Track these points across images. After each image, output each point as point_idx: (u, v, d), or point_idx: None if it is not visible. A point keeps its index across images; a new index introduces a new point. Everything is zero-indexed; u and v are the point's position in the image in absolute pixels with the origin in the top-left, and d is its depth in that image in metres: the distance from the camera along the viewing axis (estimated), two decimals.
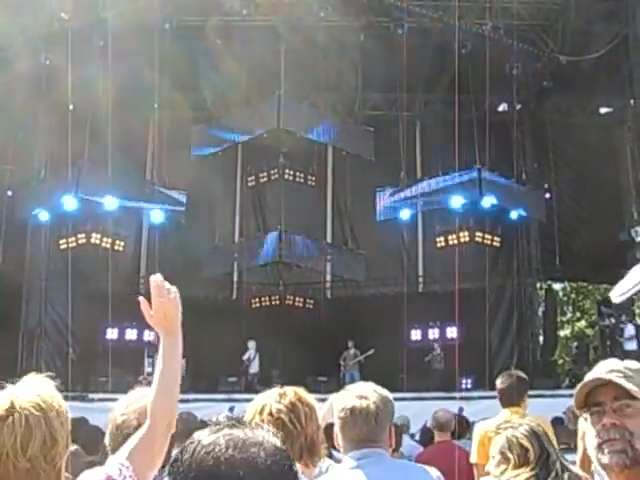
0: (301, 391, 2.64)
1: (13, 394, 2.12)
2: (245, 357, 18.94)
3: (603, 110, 21.90)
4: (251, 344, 19.08)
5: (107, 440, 2.86)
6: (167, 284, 2.36)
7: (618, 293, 1.90)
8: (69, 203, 18.77)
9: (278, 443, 1.42)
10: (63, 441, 2.14)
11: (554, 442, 3.50)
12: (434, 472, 2.97)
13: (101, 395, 14.68)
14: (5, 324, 19.07)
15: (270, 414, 2.56)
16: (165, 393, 2.35)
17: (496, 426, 3.56)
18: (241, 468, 1.34)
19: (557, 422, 7.17)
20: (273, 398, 2.58)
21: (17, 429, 2.05)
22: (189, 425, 4.63)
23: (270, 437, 1.42)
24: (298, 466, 2.43)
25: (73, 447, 4.67)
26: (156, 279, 2.35)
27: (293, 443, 2.48)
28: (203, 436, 1.41)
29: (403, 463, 3.43)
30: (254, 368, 18.93)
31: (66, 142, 17.83)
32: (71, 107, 19.74)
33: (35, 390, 2.16)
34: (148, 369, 18.50)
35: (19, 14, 16.96)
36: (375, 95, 21.88)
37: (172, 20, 17.90)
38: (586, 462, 5.13)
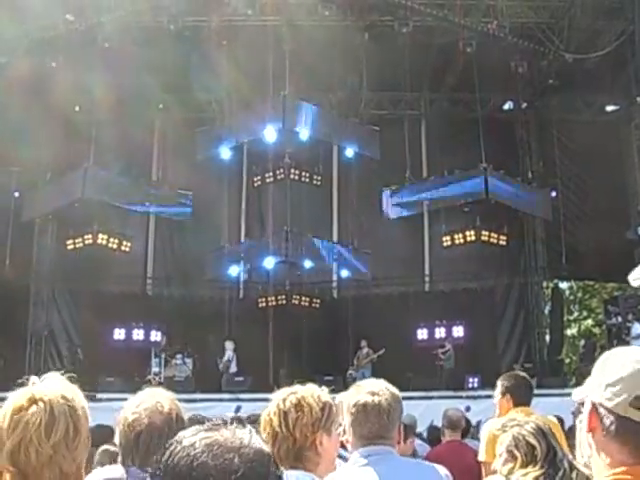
0: (310, 392, 2.62)
1: (36, 387, 2.15)
2: (225, 359, 18.90)
3: (609, 108, 21.87)
4: (229, 344, 19.09)
5: (117, 438, 2.89)
6: None
7: (637, 276, 1.91)
8: (76, 204, 18.82)
9: (261, 446, 1.41)
10: (85, 433, 2.16)
11: (562, 440, 3.50)
12: (442, 470, 2.97)
13: (109, 395, 14.67)
14: (13, 325, 19.15)
15: (268, 414, 2.59)
16: None
17: (502, 424, 3.55)
18: (213, 474, 1.34)
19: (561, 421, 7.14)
20: (279, 398, 2.60)
21: (42, 415, 2.06)
22: None
23: (252, 440, 1.40)
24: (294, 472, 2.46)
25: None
26: None
27: (280, 446, 2.50)
28: (184, 438, 1.41)
29: (412, 461, 3.43)
30: (233, 368, 18.93)
31: (72, 144, 17.94)
32: (77, 109, 19.85)
33: (58, 384, 2.20)
34: (155, 369, 18.55)
35: (24, 17, 17.01)
36: (380, 94, 21.88)
37: (176, 21, 17.90)
38: None
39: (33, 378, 2.19)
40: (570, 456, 3.15)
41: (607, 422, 1.70)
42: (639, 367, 1.72)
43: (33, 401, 2.09)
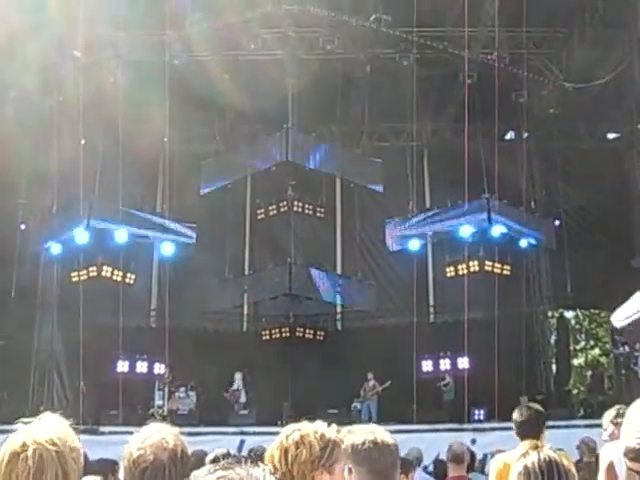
0: (314, 429, 2.61)
1: (29, 431, 2.20)
2: (233, 388, 18.91)
3: (611, 136, 21.97)
4: (238, 375, 19.12)
5: (122, 475, 2.89)
6: None
7: (620, 317, 1.93)
8: (81, 236, 18.86)
9: None
10: (74, 476, 2.20)
11: (574, 477, 3.47)
12: None
13: (112, 428, 14.64)
14: (17, 357, 19.13)
15: (271, 449, 2.60)
16: None
17: (516, 458, 3.55)
18: None
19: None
20: (284, 434, 2.61)
21: (30, 463, 2.12)
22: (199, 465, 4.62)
23: (265, 478, 1.42)
24: None
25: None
26: None
27: None
28: (199, 477, 1.41)
29: None
30: (242, 398, 18.93)
31: (78, 176, 18.03)
32: (83, 142, 19.98)
33: (50, 427, 2.24)
34: (158, 402, 18.49)
35: (33, 54, 17.21)
36: (382, 126, 22.02)
37: (181, 56, 18.10)
38: None
39: (25, 423, 2.24)
40: None
41: None
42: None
43: (25, 447, 2.15)
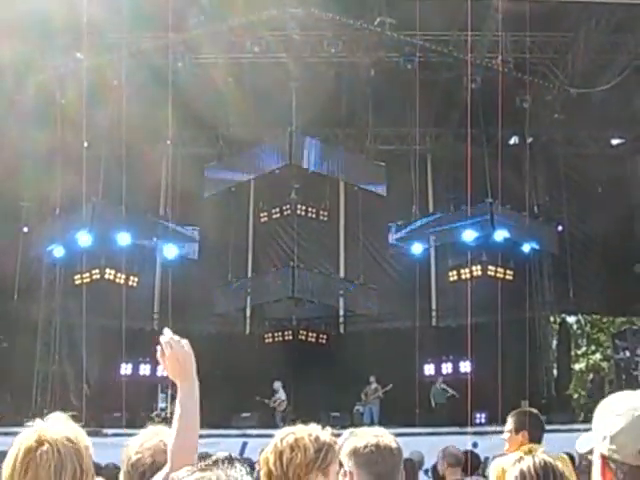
0: (308, 432, 2.60)
1: (42, 429, 2.20)
2: (278, 397, 18.87)
3: (615, 141, 21.93)
4: (277, 384, 19.07)
5: (122, 479, 2.90)
6: (177, 337, 2.46)
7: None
8: (83, 239, 18.89)
9: None
10: (90, 472, 2.20)
11: (572, 477, 3.49)
12: None
13: (115, 430, 14.64)
14: (20, 360, 19.14)
15: (265, 452, 2.60)
16: (185, 436, 2.40)
17: (515, 460, 3.56)
18: None
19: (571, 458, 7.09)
20: (278, 437, 2.61)
21: (50, 459, 2.12)
22: None
23: (242, 478, 1.44)
24: None
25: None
26: (165, 337, 2.45)
27: None
28: (178, 478, 1.43)
29: None
30: (285, 405, 18.92)
31: (81, 179, 18.06)
32: (86, 145, 20.02)
33: (62, 425, 2.24)
34: (162, 404, 18.52)
35: (35, 55, 17.25)
36: (386, 130, 22.01)
37: (184, 58, 18.12)
38: None
39: (37, 420, 2.24)
40: None
41: (620, 475, 1.72)
42: (637, 415, 1.73)
43: (40, 443, 2.14)
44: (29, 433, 2.19)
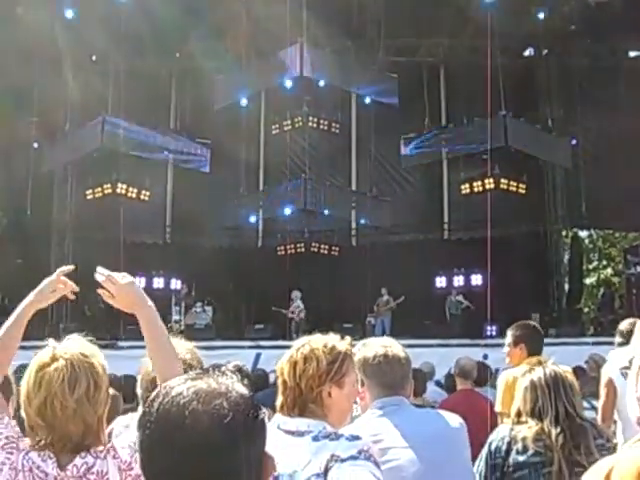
0: (323, 343, 2.57)
1: (57, 346, 2.31)
2: (297, 306, 18.91)
3: (632, 54, 21.46)
4: (296, 293, 19.06)
5: (139, 389, 2.97)
6: (107, 271, 2.48)
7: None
8: (95, 154, 18.90)
9: (244, 391, 1.48)
10: (105, 388, 2.28)
11: (577, 390, 3.55)
12: (457, 419, 3.02)
13: (130, 343, 14.90)
14: (34, 275, 19.33)
15: (281, 363, 2.60)
16: (160, 357, 2.43)
17: (522, 373, 3.63)
18: (205, 419, 1.41)
19: (579, 371, 7.19)
20: (295, 347, 2.61)
21: (64, 371, 2.23)
22: None
23: (235, 386, 1.47)
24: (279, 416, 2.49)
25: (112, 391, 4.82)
26: (101, 276, 2.46)
27: (288, 395, 2.52)
28: (170, 388, 1.47)
29: (429, 411, 3.47)
30: (303, 314, 18.92)
31: (90, 94, 17.92)
32: (93, 58, 19.80)
33: (77, 343, 2.35)
34: (175, 317, 18.77)
35: None
36: (398, 41, 21.57)
37: None
38: (608, 410, 5.18)
39: (51, 341, 2.33)
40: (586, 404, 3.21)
41: None
42: None
43: (55, 359, 2.22)
44: (44, 351, 2.30)
